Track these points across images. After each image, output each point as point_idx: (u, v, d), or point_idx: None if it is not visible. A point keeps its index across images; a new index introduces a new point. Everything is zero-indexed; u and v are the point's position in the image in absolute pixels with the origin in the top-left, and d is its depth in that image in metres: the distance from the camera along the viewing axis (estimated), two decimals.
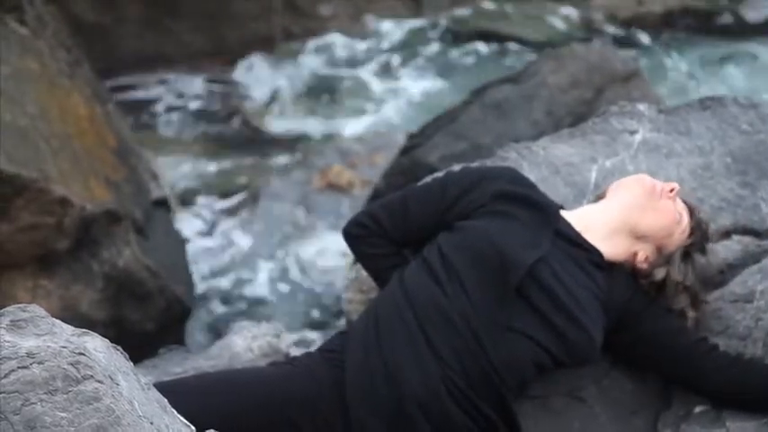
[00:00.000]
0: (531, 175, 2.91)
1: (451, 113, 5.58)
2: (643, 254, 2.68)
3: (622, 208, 2.69)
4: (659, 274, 2.68)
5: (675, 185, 2.72)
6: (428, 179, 2.86)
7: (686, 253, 2.71)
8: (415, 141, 5.49)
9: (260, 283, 5.88)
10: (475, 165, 2.94)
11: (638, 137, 3.05)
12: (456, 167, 2.87)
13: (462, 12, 8.26)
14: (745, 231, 2.88)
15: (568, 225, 2.67)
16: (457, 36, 8.11)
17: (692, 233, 2.72)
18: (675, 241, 2.70)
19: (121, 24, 7.54)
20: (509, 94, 5.53)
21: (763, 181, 2.93)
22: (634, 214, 2.68)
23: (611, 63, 5.78)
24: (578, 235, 2.65)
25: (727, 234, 2.87)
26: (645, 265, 2.69)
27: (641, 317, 2.65)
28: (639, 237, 2.68)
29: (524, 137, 4.69)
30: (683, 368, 2.64)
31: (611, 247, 2.68)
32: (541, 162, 3.01)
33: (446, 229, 2.63)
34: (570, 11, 8.25)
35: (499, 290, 2.50)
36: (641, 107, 3.14)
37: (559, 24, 8.20)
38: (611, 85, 5.65)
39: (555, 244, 2.61)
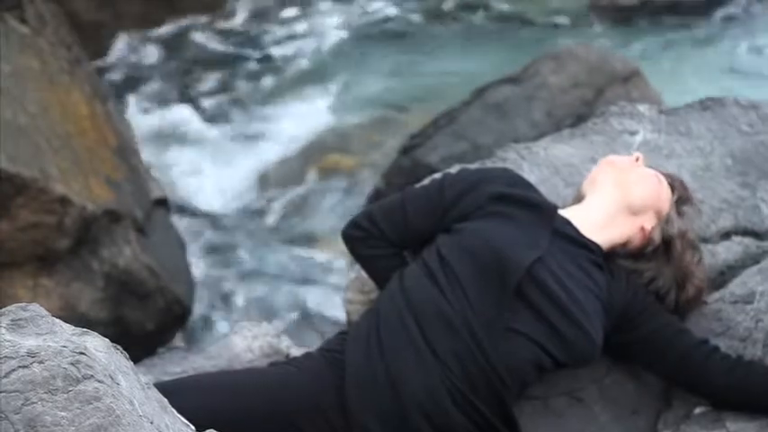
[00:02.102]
0: (531, 175, 2.91)
1: (451, 114, 5.59)
2: (649, 224, 2.70)
3: (609, 193, 2.71)
4: (656, 235, 2.70)
5: (639, 154, 2.77)
6: (426, 181, 2.86)
7: (677, 209, 2.73)
8: (416, 141, 5.50)
9: (260, 283, 5.88)
10: (473, 166, 2.93)
11: (638, 137, 3.05)
12: (454, 169, 2.87)
13: None
14: (746, 232, 2.88)
15: (567, 223, 2.66)
16: (460, 16, 8.09)
17: (672, 188, 2.74)
18: (665, 201, 2.72)
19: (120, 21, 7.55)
20: (509, 95, 5.54)
21: (763, 182, 2.93)
22: (623, 193, 2.70)
23: (611, 63, 5.79)
24: (577, 232, 2.65)
25: (727, 235, 2.87)
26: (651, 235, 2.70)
27: (641, 318, 2.64)
28: (637, 211, 2.70)
29: (524, 137, 4.70)
30: (683, 370, 2.63)
31: (615, 232, 2.68)
32: (542, 162, 3.01)
33: (445, 232, 2.63)
34: None
35: (499, 292, 2.50)
36: (641, 108, 3.14)
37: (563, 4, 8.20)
38: (612, 85, 5.66)
39: (554, 243, 2.61)
